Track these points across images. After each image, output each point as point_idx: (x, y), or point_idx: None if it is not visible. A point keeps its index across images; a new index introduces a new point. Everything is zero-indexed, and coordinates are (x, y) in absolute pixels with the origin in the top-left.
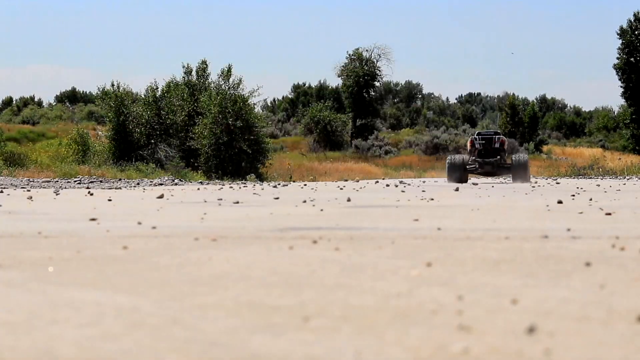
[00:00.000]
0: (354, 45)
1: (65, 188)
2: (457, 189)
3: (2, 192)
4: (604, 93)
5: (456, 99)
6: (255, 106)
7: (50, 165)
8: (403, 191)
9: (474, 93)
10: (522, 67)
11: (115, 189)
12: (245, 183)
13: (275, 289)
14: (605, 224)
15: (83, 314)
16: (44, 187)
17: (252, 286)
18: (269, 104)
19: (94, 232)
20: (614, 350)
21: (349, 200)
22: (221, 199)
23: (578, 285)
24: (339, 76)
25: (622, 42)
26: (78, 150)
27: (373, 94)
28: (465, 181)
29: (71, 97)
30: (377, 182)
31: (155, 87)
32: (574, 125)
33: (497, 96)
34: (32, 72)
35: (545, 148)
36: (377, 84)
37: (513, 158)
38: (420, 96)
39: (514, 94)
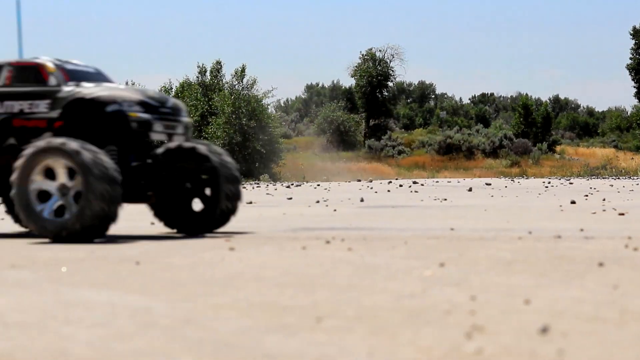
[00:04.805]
0: (367, 46)
1: None
2: (470, 189)
3: None
4: (617, 93)
5: (469, 99)
6: (269, 106)
7: None
8: (416, 191)
9: (487, 93)
10: (535, 67)
11: None
12: (258, 183)
13: (288, 289)
14: (618, 224)
15: (96, 314)
16: None
17: (265, 286)
18: (282, 104)
19: (107, 232)
20: (628, 350)
21: (362, 200)
22: None
23: (591, 286)
24: (352, 76)
25: (635, 42)
26: None
27: (386, 94)
28: None
29: None
30: (390, 182)
31: (169, 87)
32: (586, 125)
33: (510, 96)
34: None
35: (558, 148)
36: (390, 84)
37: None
38: (433, 96)
39: (527, 94)
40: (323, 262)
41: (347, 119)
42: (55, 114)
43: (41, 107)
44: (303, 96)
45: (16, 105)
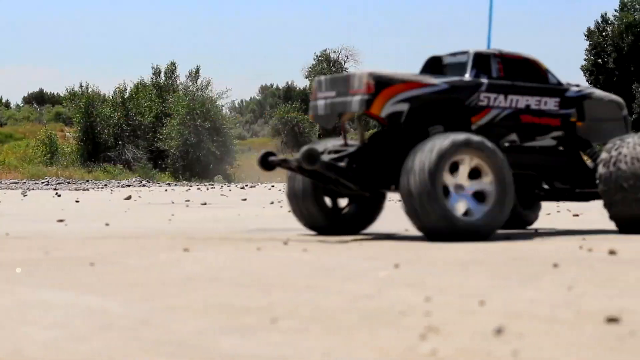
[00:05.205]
0: (322, 47)
1: (33, 189)
2: None
3: None
4: None
5: None
6: (223, 107)
7: (17, 167)
8: None
9: None
10: None
11: (83, 190)
12: (212, 184)
13: (244, 290)
14: (572, 225)
15: (52, 315)
16: (11, 189)
17: (221, 287)
18: (237, 105)
19: (62, 233)
20: (583, 351)
21: None
22: (189, 200)
23: (547, 287)
24: (306, 77)
25: (590, 44)
26: (46, 151)
27: None
28: None
29: (39, 98)
30: None
31: (123, 89)
32: None
33: None
34: (0, 73)
35: None
36: None
37: None
38: None
39: None
40: (279, 263)
41: (302, 120)
42: (566, 112)
43: (550, 104)
44: (257, 97)
45: (521, 100)
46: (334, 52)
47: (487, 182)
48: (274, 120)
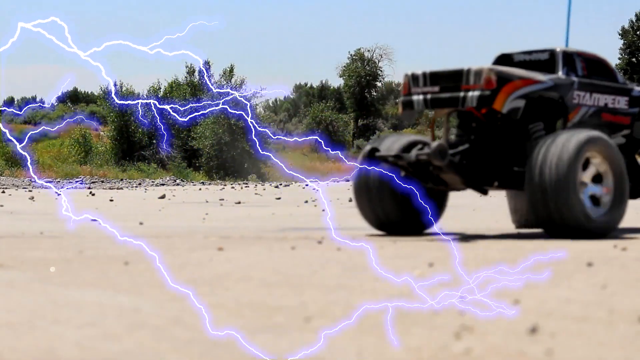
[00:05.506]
0: (356, 45)
1: (67, 188)
2: None
3: (3, 192)
4: None
5: None
6: (258, 106)
7: (52, 166)
8: None
9: None
10: None
11: (117, 189)
12: (247, 183)
13: (276, 289)
14: None
15: (84, 314)
16: (45, 188)
17: (253, 286)
18: (271, 104)
19: (95, 232)
20: (616, 350)
21: (350, 200)
22: (223, 199)
23: (580, 286)
24: (340, 76)
25: (624, 43)
26: (80, 150)
27: (375, 94)
28: None
29: (73, 98)
30: None
31: (157, 88)
32: None
33: None
34: (33, 72)
35: None
36: (378, 84)
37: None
38: None
39: None
40: (312, 262)
41: (336, 118)
42: (633, 111)
43: (621, 103)
44: (292, 96)
45: (601, 99)
46: (368, 51)
47: (606, 181)
48: (308, 119)
